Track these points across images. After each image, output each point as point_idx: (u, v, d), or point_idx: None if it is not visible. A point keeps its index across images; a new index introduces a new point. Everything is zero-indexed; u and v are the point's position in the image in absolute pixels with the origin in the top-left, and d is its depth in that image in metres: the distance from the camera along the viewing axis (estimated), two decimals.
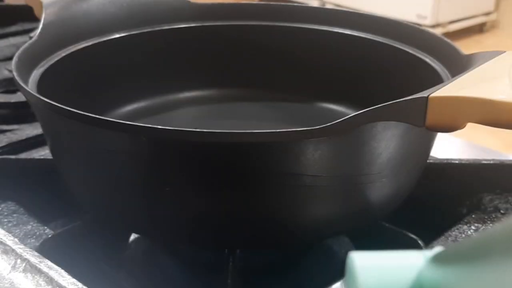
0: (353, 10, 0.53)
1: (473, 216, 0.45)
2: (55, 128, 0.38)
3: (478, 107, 0.30)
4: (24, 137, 0.55)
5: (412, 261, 0.18)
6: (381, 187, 0.37)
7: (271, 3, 0.55)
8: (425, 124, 0.31)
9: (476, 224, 0.44)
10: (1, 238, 0.35)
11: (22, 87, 0.36)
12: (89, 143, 0.35)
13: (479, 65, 0.35)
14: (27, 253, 0.34)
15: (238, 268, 0.38)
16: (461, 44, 0.46)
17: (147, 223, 0.38)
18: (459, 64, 0.39)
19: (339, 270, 0.40)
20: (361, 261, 0.18)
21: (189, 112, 0.54)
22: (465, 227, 0.43)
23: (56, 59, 0.44)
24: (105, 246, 0.44)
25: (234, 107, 0.55)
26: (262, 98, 0.55)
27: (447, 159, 0.49)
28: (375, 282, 0.17)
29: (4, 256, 0.34)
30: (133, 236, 0.46)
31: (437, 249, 0.17)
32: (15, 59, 0.40)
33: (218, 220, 0.36)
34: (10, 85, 0.66)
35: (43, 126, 0.41)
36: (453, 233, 0.43)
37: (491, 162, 0.48)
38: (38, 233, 0.42)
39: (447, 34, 2.81)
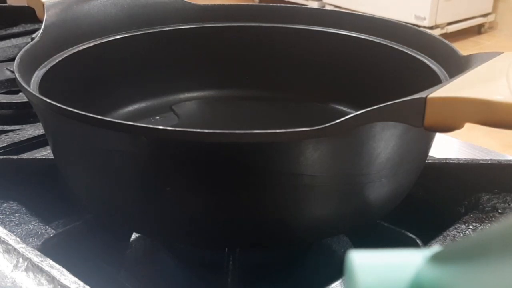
0: (352, 12, 0.54)
1: (471, 215, 0.45)
2: (57, 128, 0.38)
3: (476, 108, 0.30)
4: (26, 137, 0.55)
5: (410, 260, 0.18)
6: (380, 186, 0.37)
7: (271, 4, 0.55)
8: (423, 124, 0.31)
9: (474, 224, 0.44)
10: (3, 238, 0.35)
11: (24, 87, 0.36)
12: (90, 143, 0.36)
13: (477, 66, 0.35)
14: (29, 252, 0.34)
15: (238, 268, 0.38)
16: (459, 45, 0.46)
17: (148, 222, 0.38)
18: (457, 65, 0.39)
19: (339, 269, 0.40)
20: (360, 260, 0.18)
21: (189, 113, 0.55)
22: (463, 226, 0.44)
23: (57, 60, 0.45)
24: (106, 245, 0.44)
25: (234, 107, 0.55)
26: (262, 98, 0.55)
27: (445, 159, 0.49)
28: (374, 281, 0.17)
29: (6, 255, 0.34)
30: (134, 236, 0.46)
31: (435, 248, 0.17)
32: (17, 60, 0.40)
33: (219, 220, 0.36)
34: (12, 86, 0.67)
35: (44, 127, 0.41)
36: (452, 232, 0.43)
37: (489, 162, 0.48)
38: (39, 232, 0.42)
39: (445, 35, 2.81)
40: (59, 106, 0.33)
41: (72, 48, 0.47)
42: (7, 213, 0.44)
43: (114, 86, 0.51)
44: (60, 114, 0.34)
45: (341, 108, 0.53)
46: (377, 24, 0.50)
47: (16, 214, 0.44)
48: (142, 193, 0.36)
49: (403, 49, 0.48)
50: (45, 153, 0.53)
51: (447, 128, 0.31)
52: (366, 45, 0.50)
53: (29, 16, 0.81)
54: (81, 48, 0.48)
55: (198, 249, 0.44)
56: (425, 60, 0.45)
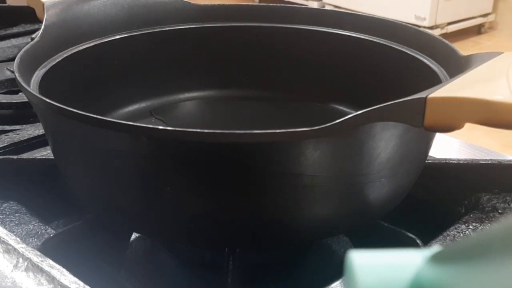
0: (352, 12, 0.54)
1: (471, 215, 0.45)
2: (57, 128, 0.38)
3: (476, 108, 0.30)
4: (26, 137, 0.55)
5: (410, 260, 0.18)
6: (380, 186, 0.37)
7: (271, 4, 0.55)
8: (423, 124, 0.31)
9: (474, 224, 0.44)
10: (3, 238, 0.35)
11: (24, 87, 0.36)
12: (90, 143, 0.36)
13: (477, 66, 0.35)
14: (29, 252, 0.34)
15: (238, 268, 0.38)
16: (459, 45, 0.46)
17: (148, 222, 0.38)
18: (457, 65, 0.39)
19: (339, 269, 0.40)
20: (360, 260, 0.18)
21: (190, 113, 0.55)
22: (463, 226, 0.44)
23: (57, 60, 0.45)
24: (106, 245, 0.44)
25: (234, 107, 0.55)
26: (262, 98, 0.55)
27: (445, 159, 0.49)
28: (374, 280, 0.17)
29: (6, 255, 0.34)
30: (134, 236, 0.46)
31: (435, 248, 0.17)
32: (17, 60, 0.40)
33: (218, 220, 0.36)
34: (12, 86, 0.67)
35: (44, 127, 0.41)
36: (452, 232, 0.43)
37: (489, 162, 0.48)
38: (39, 232, 0.42)
39: (445, 35, 2.81)
40: (59, 106, 0.33)
41: (72, 48, 0.47)
42: (7, 213, 0.44)
43: (114, 86, 0.51)
44: (60, 114, 0.34)
45: (341, 108, 0.53)
46: (377, 24, 0.50)
47: (16, 214, 0.44)
48: (142, 193, 0.36)
49: (403, 49, 0.48)
50: (45, 153, 0.53)
51: (447, 128, 0.31)
52: (366, 45, 0.50)
53: (29, 16, 0.81)
54: (81, 48, 0.48)
55: (198, 249, 0.44)
56: (425, 60, 0.45)
